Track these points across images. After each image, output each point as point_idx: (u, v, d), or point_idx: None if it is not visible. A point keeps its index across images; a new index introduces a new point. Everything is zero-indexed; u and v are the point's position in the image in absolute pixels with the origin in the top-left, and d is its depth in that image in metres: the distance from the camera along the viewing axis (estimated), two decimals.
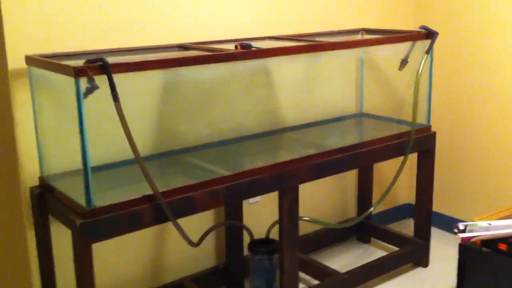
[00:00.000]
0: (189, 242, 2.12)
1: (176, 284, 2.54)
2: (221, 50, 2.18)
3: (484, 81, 3.00)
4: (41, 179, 2.13)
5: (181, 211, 2.01)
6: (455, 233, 2.51)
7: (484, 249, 2.43)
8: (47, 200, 2.07)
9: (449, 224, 3.17)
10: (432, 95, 2.88)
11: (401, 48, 2.73)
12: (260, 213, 2.78)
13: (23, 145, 2.08)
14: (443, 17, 3.12)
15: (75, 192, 1.91)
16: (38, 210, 2.10)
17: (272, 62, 2.61)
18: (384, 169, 3.24)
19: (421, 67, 2.64)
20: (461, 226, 2.50)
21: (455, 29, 3.08)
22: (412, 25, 3.20)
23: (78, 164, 1.85)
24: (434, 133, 2.80)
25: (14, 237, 1.36)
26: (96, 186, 1.90)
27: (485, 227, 2.48)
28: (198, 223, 2.55)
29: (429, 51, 2.67)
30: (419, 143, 2.73)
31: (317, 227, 3.02)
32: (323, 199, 3.07)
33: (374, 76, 3.12)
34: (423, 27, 2.70)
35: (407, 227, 3.27)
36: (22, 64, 2.03)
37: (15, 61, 2.02)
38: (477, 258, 2.44)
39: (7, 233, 1.35)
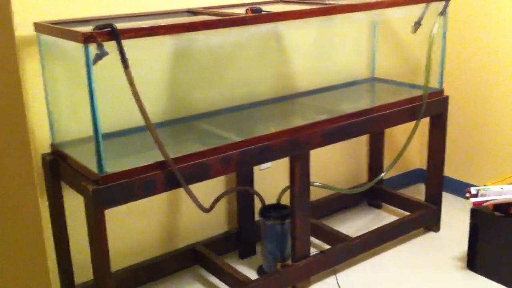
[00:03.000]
0: (201, 208, 2.13)
1: (188, 249, 2.57)
2: (231, 14, 2.14)
3: (499, 44, 2.94)
4: (53, 146, 2.13)
5: (193, 177, 2.01)
6: (467, 198, 2.51)
7: (496, 213, 2.43)
8: (59, 166, 2.08)
9: (460, 189, 3.16)
10: (445, 59, 2.83)
11: (415, 10, 2.67)
12: (271, 179, 2.78)
13: (34, 113, 2.08)
14: None
15: (87, 159, 1.92)
16: (50, 177, 2.11)
17: (283, 27, 2.57)
18: (395, 134, 3.21)
19: (435, 29, 2.58)
20: (473, 190, 2.49)
21: None
22: None
23: (90, 131, 1.85)
24: (447, 97, 2.76)
25: (27, 204, 1.36)
26: (108, 152, 1.90)
27: (497, 191, 2.47)
28: (210, 189, 2.56)
29: (443, 12, 2.62)
30: (432, 107, 2.70)
31: (328, 193, 3.02)
32: (334, 165, 3.07)
33: (386, 39, 3.07)
34: None
35: (418, 192, 3.26)
36: (31, 31, 2.01)
37: (23, 28, 2.00)
38: (489, 222, 2.44)
39: (20, 200, 1.35)
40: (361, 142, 3.15)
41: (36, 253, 1.41)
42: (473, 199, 2.48)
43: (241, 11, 2.23)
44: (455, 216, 3.01)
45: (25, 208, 1.37)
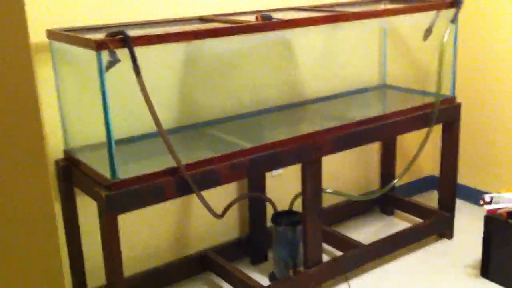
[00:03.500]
0: (213, 214, 2.14)
1: (200, 255, 2.57)
2: (241, 21, 2.16)
3: (510, 51, 2.92)
4: (66, 152, 2.16)
5: (204, 183, 2.02)
6: (481, 205, 2.49)
7: (510, 220, 2.40)
8: (72, 172, 2.10)
9: (474, 196, 3.14)
10: (456, 66, 2.82)
11: (425, 18, 2.67)
12: (283, 185, 2.78)
13: (47, 119, 2.11)
14: None
15: (100, 165, 1.93)
16: (63, 183, 2.13)
17: (293, 34, 2.58)
18: (407, 141, 3.20)
19: (446, 36, 2.58)
20: (487, 198, 2.48)
21: None
22: None
23: (102, 137, 1.86)
24: (459, 104, 2.75)
25: (42, 209, 1.38)
26: (120, 159, 1.92)
27: (511, 199, 2.45)
28: (221, 195, 2.57)
29: (454, 20, 2.61)
30: (444, 114, 2.69)
31: (340, 199, 3.01)
32: (346, 171, 3.06)
33: (397, 46, 3.07)
34: None
35: (430, 199, 3.24)
36: (44, 38, 2.04)
37: (36, 35, 2.03)
38: (503, 230, 2.42)
39: (35, 206, 1.37)
40: (373, 149, 3.14)
41: (51, 258, 1.42)
42: (487, 206, 2.46)
43: (251, 18, 2.25)
44: (468, 224, 2.98)
45: (40, 213, 1.38)
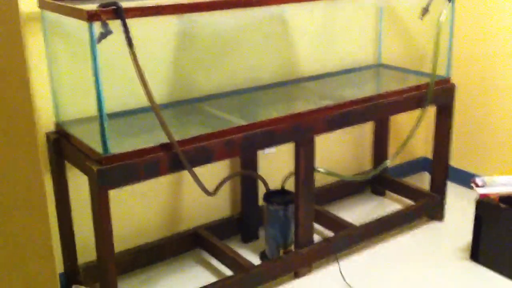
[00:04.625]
0: (205, 191, 2.12)
1: (191, 232, 2.56)
2: None
3: (508, 32, 2.90)
4: (57, 125, 2.12)
5: (197, 160, 2.00)
6: (473, 188, 2.49)
7: (502, 205, 2.41)
8: (63, 146, 2.07)
9: (465, 179, 3.14)
10: (453, 46, 2.80)
11: None
12: (275, 164, 2.77)
13: (38, 91, 2.07)
14: None
15: (92, 139, 1.91)
16: (54, 156, 2.10)
17: (289, 10, 2.55)
18: (400, 122, 3.19)
19: (443, 15, 2.55)
20: (479, 181, 2.48)
21: None
22: None
23: (94, 111, 1.83)
24: (454, 85, 2.74)
25: (32, 182, 1.36)
26: (112, 133, 1.89)
27: (504, 183, 2.45)
28: (214, 172, 2.55)
29: None
30: (438, 95, 2.67)
31: (332, 179, 3.01)
32: (338, 151, 3.05)
33: (393, 25, 3.04)
34: None
35: (422, 180, 3.25)
36: (35, 8, 1.99)
37: (27, 4, 1.98)
38: (494, 214, 2.42)
39: (25, 179, 1.35)
40: (366, 129, 3.13)
41: (41, 232, 1.41)
42: (479, 190, 2.46)
43: None
44: (459, 207, 2.99)
45: (30, 187, 1.36)
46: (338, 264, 2.50)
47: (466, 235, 2.69)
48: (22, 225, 1.38)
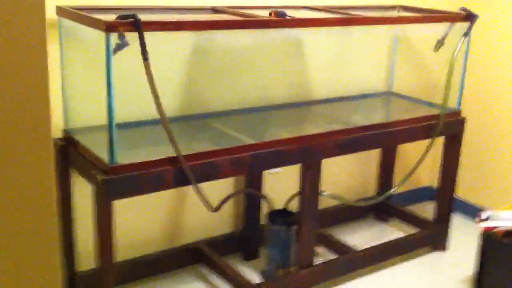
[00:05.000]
0: (208, 207, 2.11)
1: (192, 246, 2.55)
2: (255, 16, 2.13)
3: None
4: (65, 131, 2.12)
5: (203, 176, 1.99)
6: (477, 222, 2.47)
7: (505, 240, 2.39)
8: (69, 153, 2.07)
9: (470, 211, 3.13)
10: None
11: (438, 28, 2.64)
12: (280, 184, 2.76)
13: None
14: None
15: (99, 148, 1.91)
16: (60, 162, 2.10)
17: (304, 33, 2.56)
18: (407, 150, 3.18)
19: (457, 49, 2.55)
20: (484, 215, 2.46)
21: (495, 13, 2.97)
22: (450, 6, 3.10)
23: (103, 120, 1.83)
24: (464, 118, 2.73)
25: (43, 186, 1.35)
26: (120, 143, 1.89)
27: (508, 218, 2.43)
28: (217, 188, 2.54)
29: (467, 34, 2.59)
30: (448, 127, 2.67)
31: (335, 202, 2.99)
32: (344, 175, 3.04)
33: (407, 55, 3.04)
34: (463, 9, 2.61)
35: (425, 210, 3.23)
36: (53, 15, 2.01)
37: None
38: (498, 249, 2.40)
39: (38, 183, 1.34)
40: (372, 154, 3.12)
41: (48, 236, 1.40)
42: (483, 224, 2.44)
43: (263, 13, 2.22)
44: (463, 238, 2.97)
45: (41, 193, 1.35)
46: None
47: (468, 267, 2.66)
48: (31, 228, 1.37)
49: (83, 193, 2.21)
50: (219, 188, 2.55)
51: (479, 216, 2.48)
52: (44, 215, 1.39)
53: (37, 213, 1.37)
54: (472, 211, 3.07)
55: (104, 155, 1.85)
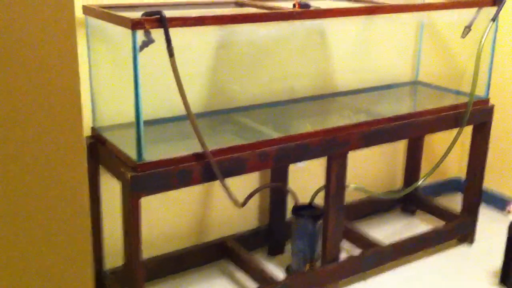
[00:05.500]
0: (235, 202, 2.11)
1: (219, 242, 2.55)
2: (278, 8, 2.11)
3: None
4: (93, 129, 2.14)
5: (229, 170, 1.99)
6: (508, 213, 2.43)
7: None
8: (98, 150, 2.08)
9: (499, 202, 3.08)
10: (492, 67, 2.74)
11: (465, 14, 2.59)
12: (305, 178, 2.75)
13: None
14: None
15: (127, 145, 1.91)
16: (89, 160, 2.11)
17: (328, 23, 2.53)
18: (434, 140, 3.14)
19: (485, 35, 2.50)
20: None
21: None
22: None
23: (131, 117, 1.84)
24: (493, 106, 2.68)
25: (76, 184, 1.36)
26: (147, 140, 1.90)
27: None
28: (243, 183, 2.53)
29: (495, 18, 2.53)
30: (476, 116, 2.62)
31: (361, 195, 2.97)
32: (370, 167, 3.01)
33: (433, 42, 2.99)
34: None
35: (453, 201, 3.18)
36: (79, 14, 2.01)
37: None
38: None
39: (71, 181, 1.35)
40: (399, 146, 3.08)
41: (81, 234, 1.42)
42: None
43: (287, 4, 2.19)
44: (491, 230, 2.92)
45: (73, 190, 1.37)
46: (365, 283, 2.46)
47: (496, 259, 2.62)
48: (63, 226, 1.39)
49: (111, 189, 2.22)
50: (245, 183, 2.55)
51: (509, 206, 2.44)
52: (76, 213, 1.40)
53: (70, 211, 1.39)
54: (501, 202, 3.02)
55: (132, 152, 1.86)
